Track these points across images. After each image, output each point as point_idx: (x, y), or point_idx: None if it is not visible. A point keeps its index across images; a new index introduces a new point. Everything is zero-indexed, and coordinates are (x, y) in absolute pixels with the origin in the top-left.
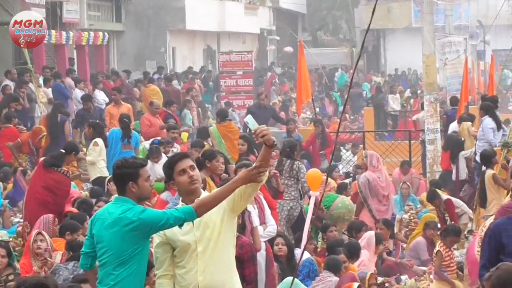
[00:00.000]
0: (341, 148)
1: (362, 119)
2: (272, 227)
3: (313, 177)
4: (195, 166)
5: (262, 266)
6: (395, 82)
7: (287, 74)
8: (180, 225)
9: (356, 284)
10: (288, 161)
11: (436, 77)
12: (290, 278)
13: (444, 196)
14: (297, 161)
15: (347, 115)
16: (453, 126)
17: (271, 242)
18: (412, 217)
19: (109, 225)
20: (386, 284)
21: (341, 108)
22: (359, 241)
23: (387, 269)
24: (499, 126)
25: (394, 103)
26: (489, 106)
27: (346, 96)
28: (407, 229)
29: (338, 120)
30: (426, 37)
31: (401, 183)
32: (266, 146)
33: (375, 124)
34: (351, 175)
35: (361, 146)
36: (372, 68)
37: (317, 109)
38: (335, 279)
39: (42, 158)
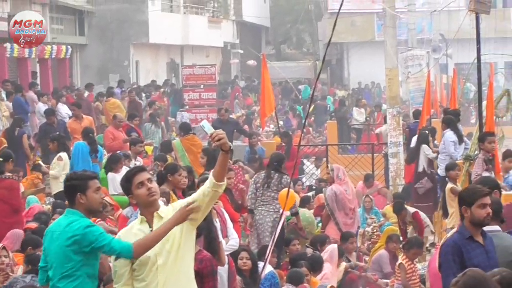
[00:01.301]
0: (304, 161)
1: (326, 132)
2: (234, 241)
3: (285, 196)
4: (153, 179)
5: (224, 280)
6: (358, 95)
7: (250, 87)
8: (115, 258)
9: None
10: (277, 174)
11: (398, 91)
12: None
13: (411, 209)
14: (286, 175)
15: (310, 129)
16: (416, 139)
17: (234, 255)
18: (374, 230)
19: (56, 238)
20: None
21: (303, 121)
22: (322, 254)
23: (350, 282)
24: (460, 140)
25: (358, 116)
26: (451, 119)
27: (309, 109)
28: (370, 242)
29: (301, 134)
30: (389, 50)
31: (364, 196)
32: (223, 151)
33: (338, 137)
34: (314, 188)
35: (324, 159)
36: (335, 82)
37: (281, 123)
38: None
39: None
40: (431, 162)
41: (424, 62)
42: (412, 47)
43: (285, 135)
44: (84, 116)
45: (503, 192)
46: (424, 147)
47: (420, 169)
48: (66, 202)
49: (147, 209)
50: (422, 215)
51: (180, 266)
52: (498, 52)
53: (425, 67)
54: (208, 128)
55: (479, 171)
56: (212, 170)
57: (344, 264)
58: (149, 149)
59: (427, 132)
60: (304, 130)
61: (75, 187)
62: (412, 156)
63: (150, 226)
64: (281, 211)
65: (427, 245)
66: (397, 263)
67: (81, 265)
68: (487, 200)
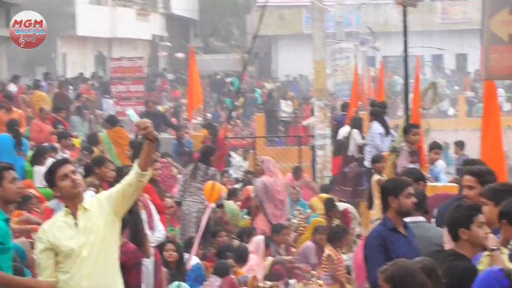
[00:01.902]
0: (232, 153)
1: (254, 125)
2: (160, 233)
3: (211, 189)
4: (77, 171)
5: (150, 272)
6: (286, 88)
7: (178, 80)
8: (40, 251)
9: None
10: (204, 166)
11: (326, 83)
12: (178, 283)
13: (341, 205)
14: (213, 168)
15: (238, 121)
16: (343, 132)
17: (160, 247)
18: (301, 222)
19: None
20: None
21: (232, 114)
22: (248, 245)
23: (276, 273)
24: (387, 132)
25: (286, 108)
26: (378, 111)
27: (236, 102)
28: (297, 234)
29: (228, 126)
30: (316, 43)
31: (291, 188)
32: (148, 140)
33: (266, 129)
34: (241, 180)
35: (252, 151)
36: (263, 74)
37: (210, 115)
38: (222, 283)
39: None
40: (360, 148)
41: (351, 55)
42: (340, 40)
43: (210, 127)
44: (14, 109)
45: (429, 184)
46: (355, 131)
47: (350, 153)
48: None
49: (72, 201)
50: (351, 208)
51: (105, 258)
52: (425, 45)
53: (353, 60)
54: (134, 117)
55: (404, 163)
56: (136, 160)
57: (270, 259)
58: (76, 141)
59: (360, 117)
60: (232, 122)
61: None
62: (339, 147)
63: (75, 218)
64: (206, 202)
65: (354, 236)
66: (325, 254)
67: None
68: (412, 189)
